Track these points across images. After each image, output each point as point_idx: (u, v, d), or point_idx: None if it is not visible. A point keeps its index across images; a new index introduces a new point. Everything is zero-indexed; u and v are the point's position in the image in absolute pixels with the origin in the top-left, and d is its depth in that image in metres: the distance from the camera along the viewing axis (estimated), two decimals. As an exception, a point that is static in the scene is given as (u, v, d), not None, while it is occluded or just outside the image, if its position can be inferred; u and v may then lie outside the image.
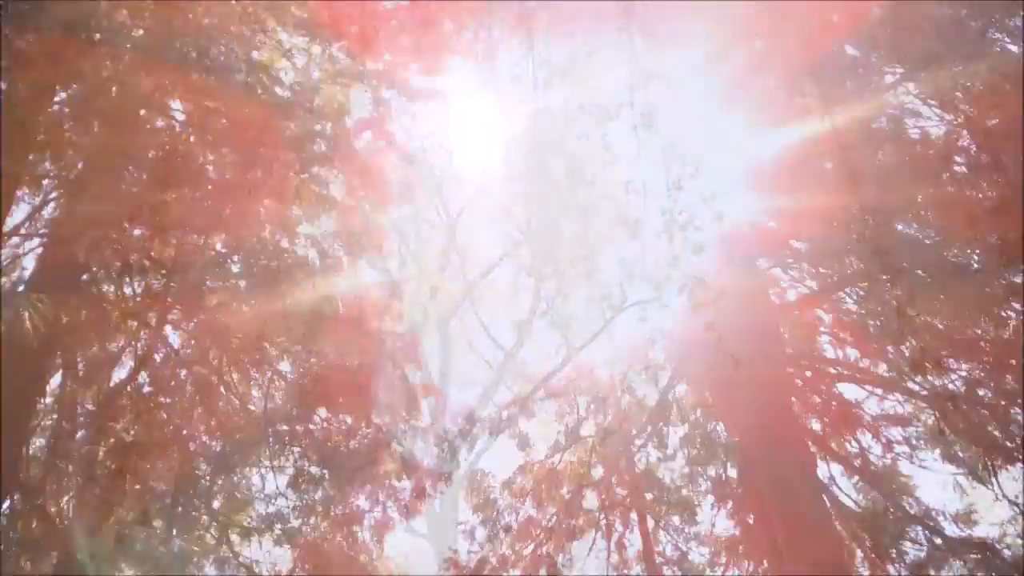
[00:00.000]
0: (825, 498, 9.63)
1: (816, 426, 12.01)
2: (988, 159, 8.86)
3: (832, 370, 11.80)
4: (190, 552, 10.03)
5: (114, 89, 9.87)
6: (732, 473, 12.52)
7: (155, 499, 10.20)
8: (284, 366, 10.73)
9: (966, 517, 11.18)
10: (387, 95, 11.42)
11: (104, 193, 10.33)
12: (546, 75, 10.19)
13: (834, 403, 12.00)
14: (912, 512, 11.18)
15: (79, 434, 9.78)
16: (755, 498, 9.41)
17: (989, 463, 10.54)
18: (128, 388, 10.43)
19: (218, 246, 10.85)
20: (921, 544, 11.10)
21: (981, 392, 10.31)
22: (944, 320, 10.46)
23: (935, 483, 11.85)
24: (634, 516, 12.28)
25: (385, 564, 10.97)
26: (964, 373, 10.42)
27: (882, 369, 11.67)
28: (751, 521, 11.51)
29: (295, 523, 10.44)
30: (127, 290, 10.67)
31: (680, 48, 9.86)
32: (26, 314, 8.76)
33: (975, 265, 10.21)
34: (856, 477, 11.76)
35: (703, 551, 12.45)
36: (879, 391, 11.91)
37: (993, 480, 10.65)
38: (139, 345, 10.48)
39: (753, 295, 9.45)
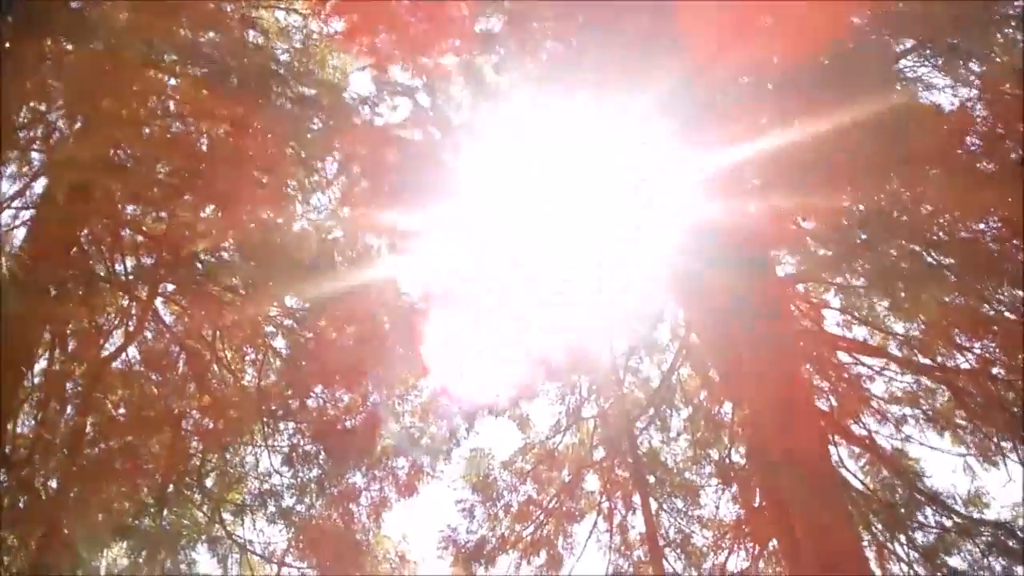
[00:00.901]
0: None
1: (824, 407, 11.72)
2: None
3: (841, 351, 11.49)
4: (181, 529, 9.75)
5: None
6: (736, 456, 12.33)
7: (145, 476, 9.94)
8: (279, 342, 10.45)
9: (977, 499, 10.90)
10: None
11: (95, 166, 10.09)
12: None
13: (843, 384, 11.72)
14: (922, 494, 10.89)
15: (67, 410, 9.51)
16: (764, 475, 9.10)
17: (1001, 443, 10.25)
18: (118, 363, 10.24)
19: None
20: (931, 527, 10.87)
21: (995, 370, 9.98)
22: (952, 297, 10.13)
23: (945, 466, 11.62)
24: (636, 499, 12.04)
25: (382, 543, 10.71)
26: (977, 350, 10.10)
27: (892, 347, 11.38)
28: (757, 503, 11.23)
29: (289, 501, 10.17)
30: (118, 266, 10.49)
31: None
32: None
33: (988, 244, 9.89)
34: (865, 459, 11.49)
35: (706, 534, 12.21)
36: (889, 370, 11.61)
37: (1003, 461, 10.38)
38: (129, 321, 10.24)
39: (760, 270, 9.10)
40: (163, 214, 10.73)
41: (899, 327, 10.92)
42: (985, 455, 11.15)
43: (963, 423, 11.56)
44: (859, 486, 11.15)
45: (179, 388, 10.40)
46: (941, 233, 9.67)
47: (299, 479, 10.26)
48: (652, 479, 12.37)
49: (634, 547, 11.85)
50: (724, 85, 9.27)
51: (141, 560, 9.43)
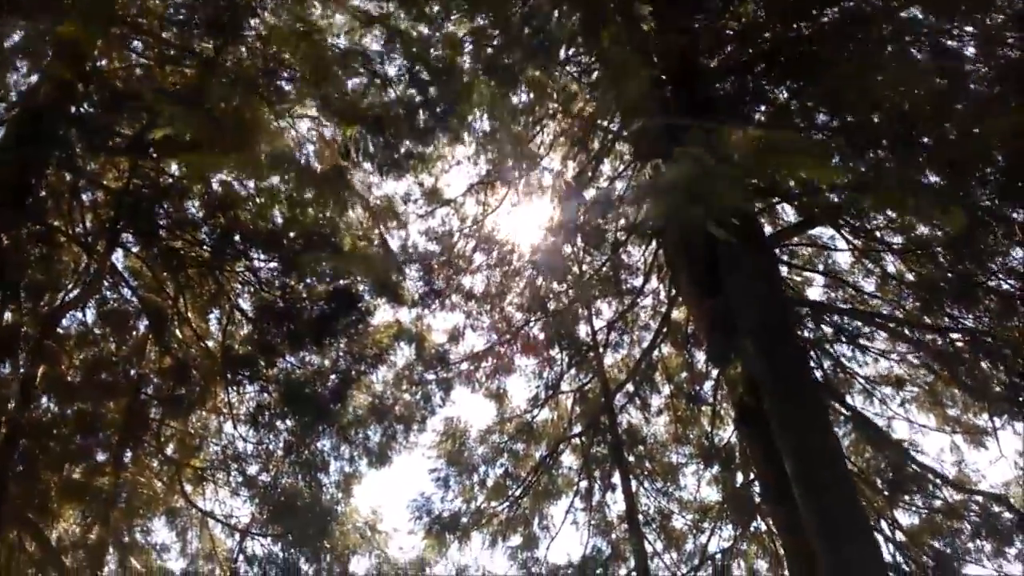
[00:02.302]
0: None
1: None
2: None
3: (827, 323, 11.16)
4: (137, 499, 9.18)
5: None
6: (720, 435, 11.99)
7: (101, 443, 9.37)
8: (244, 302, 9.89)
9: (965, 479, 10.65)
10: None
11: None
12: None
13: (827, 361, 11.39)
14: (910, 474, 10.59)
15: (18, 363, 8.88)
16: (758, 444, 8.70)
17: (993, 417, 9.98)
18: (74, 321, 9.67)
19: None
20: (919, 507, 10.59)
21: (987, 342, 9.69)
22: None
23: (932, 445, 11.37)
24: (615, 478, 11.63)
25: (352, 513, 10.17)
26: (969, 323, 9.81)
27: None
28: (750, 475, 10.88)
29: (254, 469, 9.62)
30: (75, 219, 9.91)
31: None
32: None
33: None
34: (851, 438, 11.17)
35: (687, 516, 11.83)
36: (874, 349, 11.32)
37: (995, 437, 10.12)
38: (87, 277, 9.65)
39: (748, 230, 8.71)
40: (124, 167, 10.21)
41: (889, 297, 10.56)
42: (973, 435, 10.94)
43: (950, 403, 11.38)
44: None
45: (139, 348, 9.82)
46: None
47: (264, 445, 9.71)
48: (632, 458, 11.98)
49: (613, 527, 11.43)
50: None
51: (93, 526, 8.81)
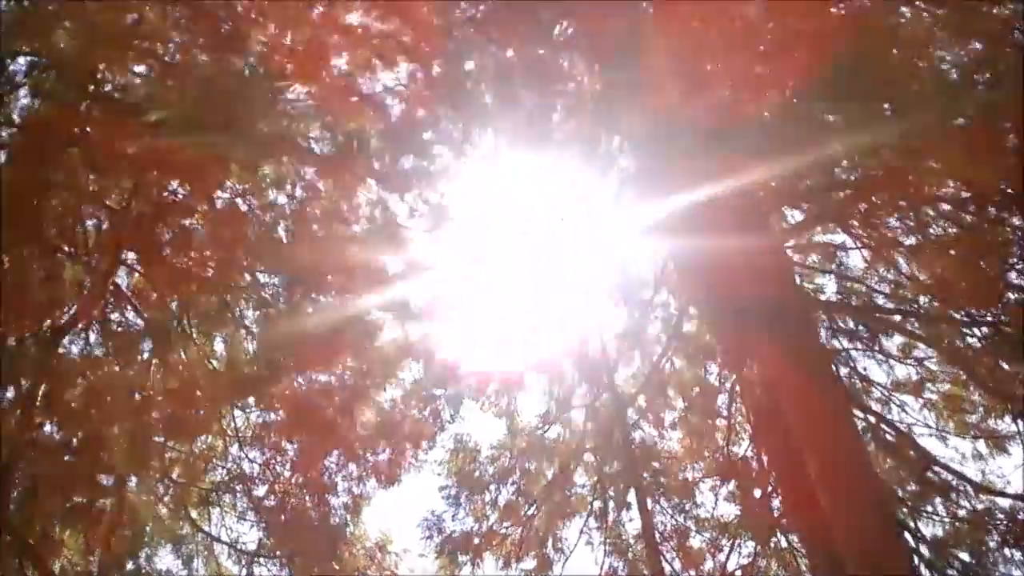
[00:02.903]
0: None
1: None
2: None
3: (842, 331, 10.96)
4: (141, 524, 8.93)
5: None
6: (736, 449, 11.75)
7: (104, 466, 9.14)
8: (249, 316, 9.72)
9: (990, 486, 10.37)
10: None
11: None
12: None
13: (844, 369, 11.19)
14: (935, 481, 10.32)
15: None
16: (779, 451, 8.45)
17: (1017, 420, 9.75)
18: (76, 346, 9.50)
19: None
20: (942, 516, 10.32)
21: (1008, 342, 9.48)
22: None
23: (953, 453, 11.08)
24: (630, 496, 11.37)
25: (361, 534, 9.89)
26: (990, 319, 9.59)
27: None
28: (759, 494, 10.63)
29: (260, 491, 9.38)
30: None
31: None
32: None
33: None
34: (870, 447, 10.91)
35: (704, 535, 11.52)
36: (893, 357, 11.12)
37: (1020, 440, 9.87)
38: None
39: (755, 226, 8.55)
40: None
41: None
42: (996, 440, 10.69)
43: (969, 409, 11.14)
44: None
45: (142, 369, 9.63)
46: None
47: (271, 466, 9.48)
48: (646, 475, 11.71)
49: (629, 547, 11.14)
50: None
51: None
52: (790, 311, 7.76)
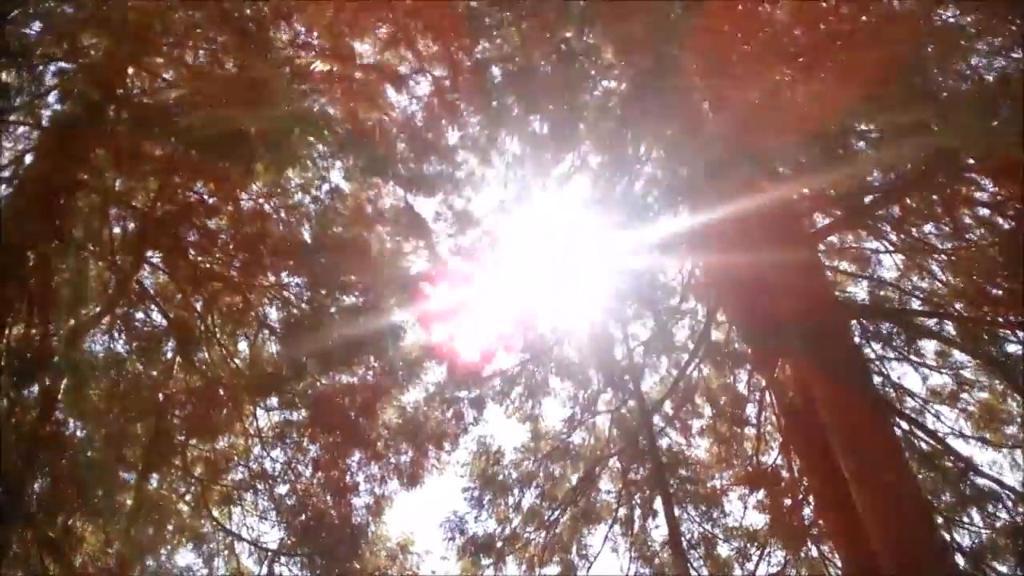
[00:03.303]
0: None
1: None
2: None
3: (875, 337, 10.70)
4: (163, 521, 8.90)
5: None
6: (765, 459, 11.52)
7: (126, 462, 9.13)
8: (272, 316, 9.69)
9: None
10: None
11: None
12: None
13: (877, 379, 10.92)
14: (973, 491, 10.02)
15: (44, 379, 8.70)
16: (811, 453, 8.24)
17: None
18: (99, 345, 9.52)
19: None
20: (979, 527, 10.00)
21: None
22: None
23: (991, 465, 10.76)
24: (656, 504, 11.16)
25: (383, 535, 9.76)
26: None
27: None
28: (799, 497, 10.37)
29: (282, 490, 9.30)
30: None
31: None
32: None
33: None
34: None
35: (732, 544, 11.27)
36: (926, 365, 10.86)
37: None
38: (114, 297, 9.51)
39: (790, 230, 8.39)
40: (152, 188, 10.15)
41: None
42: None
43: (1007, 419, 10.84)
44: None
45: (166, 368, 9.63)
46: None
47: (293, 466, 9.41)
48: (673, 483, 11.50)
49: (655, 554, 10.92)
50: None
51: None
52: (824, 317, 7.57)
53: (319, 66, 9.32)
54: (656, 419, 11.66)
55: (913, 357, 10.75)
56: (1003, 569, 9.88)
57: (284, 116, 7.83)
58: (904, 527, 5.92)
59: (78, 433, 9.41)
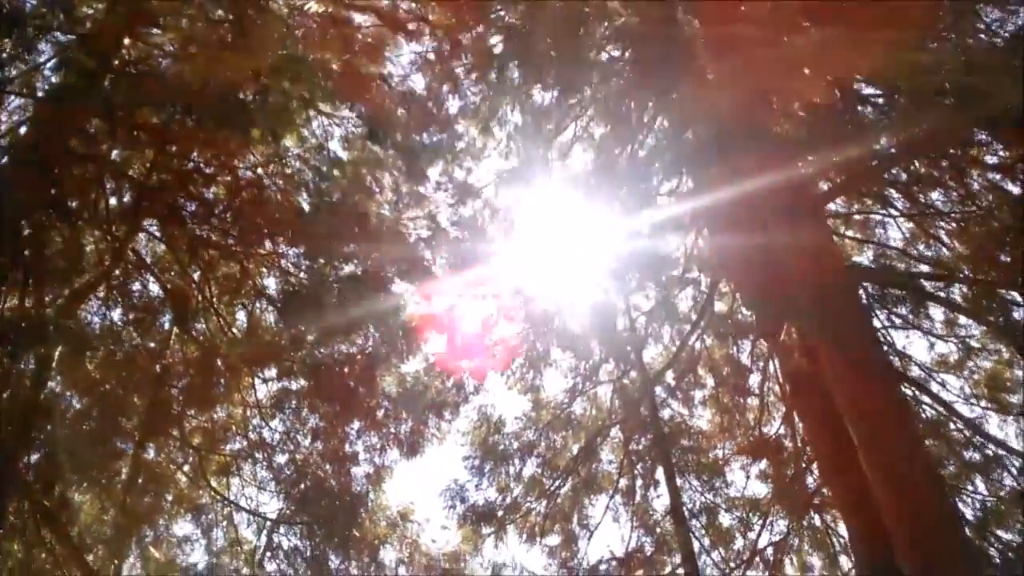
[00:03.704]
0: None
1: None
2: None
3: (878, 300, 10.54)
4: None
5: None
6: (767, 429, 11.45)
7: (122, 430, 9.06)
8: (270, 285, 9.58)
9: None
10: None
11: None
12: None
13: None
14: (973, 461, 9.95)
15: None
16: (817, 416, 8.11)
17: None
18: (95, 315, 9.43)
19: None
20: (983, 496, 9.92)
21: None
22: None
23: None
24: (658, 474, 11.10)
25: (382, 503, 9.71)
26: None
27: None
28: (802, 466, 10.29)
29: (281, 459, 9.23)
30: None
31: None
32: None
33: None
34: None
35: (734, 514, 11.21)
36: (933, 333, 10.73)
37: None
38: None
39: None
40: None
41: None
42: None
43: (1013, 388, 10.74)
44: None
45: (163, 339, 9.55)
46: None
47: (292, 435, 9.34)
48: (675, 454, 11.42)
49: (657, 523, 10.87)
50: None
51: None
52: (831, 280, 7.42)
53: (314, 6, 9.12)
54: (658, 390, 11.59)
55: (919, 324, 10.64)
56: (1008, 536, 9.83)
57: (277, 59, 7.64)
58: (915, 494, 5.78)
59: (74, 404, 9.40)
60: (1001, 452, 9.69)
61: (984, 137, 8.87)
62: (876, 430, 6.17)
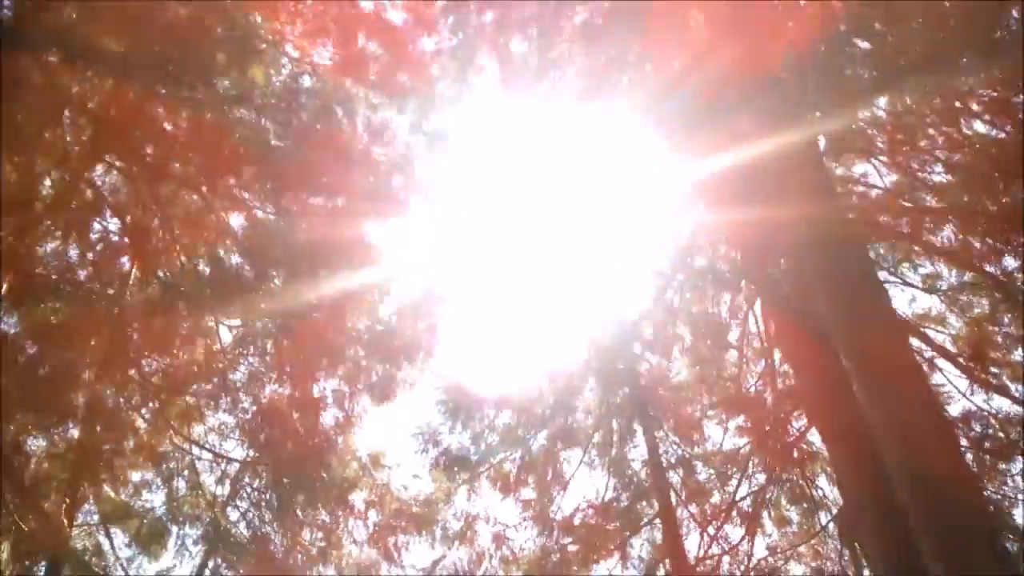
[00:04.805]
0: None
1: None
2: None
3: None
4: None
5: None
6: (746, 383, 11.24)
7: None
8: (235, 219, 9.12)
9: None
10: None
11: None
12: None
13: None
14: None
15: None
16: (801, 355, 7.86)
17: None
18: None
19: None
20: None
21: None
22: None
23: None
24: (635, 426, 10.87)
25: (352, 446, 9.36)
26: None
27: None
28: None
29: (246, 402, 8.82)
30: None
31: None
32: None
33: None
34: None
35: (712, 466, 11.00)
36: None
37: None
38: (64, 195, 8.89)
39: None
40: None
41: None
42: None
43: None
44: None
45: (122, 276, 9.08)
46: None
47: (258, 379, 8.93)
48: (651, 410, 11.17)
49: (634, 473, 10.63)
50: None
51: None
52: (827, 215, 7.14)
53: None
54: (636, 343, 11.36)
55: (904, 276, 10.49)
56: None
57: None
58: (915, 424, 5.47)
59: (27, 346, 8.92)
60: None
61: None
62: (883, 375, 5.84)
